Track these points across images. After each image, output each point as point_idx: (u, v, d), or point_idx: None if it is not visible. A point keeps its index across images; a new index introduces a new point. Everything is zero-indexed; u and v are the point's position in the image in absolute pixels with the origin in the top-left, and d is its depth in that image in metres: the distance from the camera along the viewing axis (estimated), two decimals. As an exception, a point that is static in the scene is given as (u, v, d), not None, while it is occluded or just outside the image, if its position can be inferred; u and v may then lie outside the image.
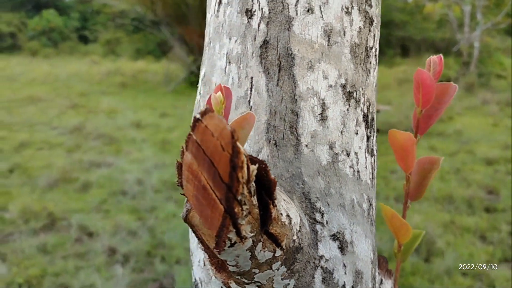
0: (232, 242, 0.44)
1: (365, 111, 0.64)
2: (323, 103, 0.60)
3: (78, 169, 4.36)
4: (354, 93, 0.62)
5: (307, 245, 0.55)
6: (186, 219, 0.49)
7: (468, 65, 10.39)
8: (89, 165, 4.48)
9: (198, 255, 0.65)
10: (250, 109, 0.61)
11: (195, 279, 0.65)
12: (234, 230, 0.43)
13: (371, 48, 0.65)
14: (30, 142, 5.29)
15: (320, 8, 0.60)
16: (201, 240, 0.49)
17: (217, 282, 0.60)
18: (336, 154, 0.60)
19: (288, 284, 0.54)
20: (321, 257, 0.57)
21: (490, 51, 10.87)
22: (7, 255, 2.78)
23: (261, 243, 0.47)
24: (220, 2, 0.65)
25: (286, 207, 0.52)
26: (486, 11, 10.88)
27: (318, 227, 0.58)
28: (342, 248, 0.59)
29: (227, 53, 0.64)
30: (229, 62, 0.63)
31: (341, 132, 0.61)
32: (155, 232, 3.12)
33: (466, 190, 3.89)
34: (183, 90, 9.49)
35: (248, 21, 0.62)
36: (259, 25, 0.61)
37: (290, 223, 0.51)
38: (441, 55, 0.75)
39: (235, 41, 0.62)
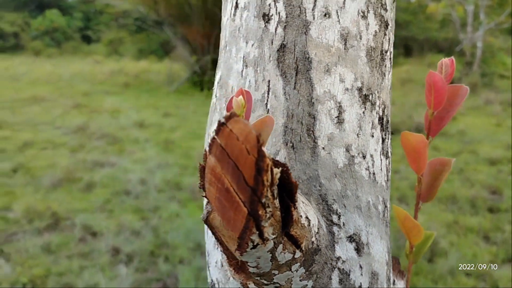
0: (255, 244, 0.44)
1: (381, 113, 0.65)
2: (340, 106, 0.61)
3: (81, 168, 4.37)
4: (370, 96, 0.63)
5: (324, 247, 0.56)
6: (207, 221, 0.49)
7: (471, 65, 10.38)
8: (93, 165, 4.49)
9: (215, 256, 0.65)
10: (267, 112, 0.61)
11: (211, 279, 0.66)
12: (257, 232, 0.43)
13: (386, 52, 0.66)
14: (34, 141, 5.30)
15: (337, 12, 0.61)
16: (220, 242, 0.50)
17: (235, 283, 0.61)
18: (353, 156, 0.61)
19: (306, 285, 0.54)
20: (338, 258, 0.58)
21: (493, 51, 10.87)
22: (11, 255, 2.79)
23: (281, 244, 0.47)
24: (236, 6, 0.66)
25: (305, 209, 0.52)
26: (489, 11, 10.86)
27: (335, 228, 0.59)
28: (358, 250, 0.60)
29: (243, 56, 0.64)
30: (246, 66, 0.64)
31: (357, 135, 0.62)
32: (158, 232, 3.13)
33: (470, 190, 3.89)
34: (186, 90, 9.50)
35: (265, 25, 0.62)
36: (276, 29, 0.62)
37: (309, 225, 0.51)
38: (452, 57, 0.76)
39: (252, 45, 0.63)
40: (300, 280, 0.53)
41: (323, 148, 0.60)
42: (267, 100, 0.62)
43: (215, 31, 9.24)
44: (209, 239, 0.67)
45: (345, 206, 0.60)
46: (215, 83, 0.70)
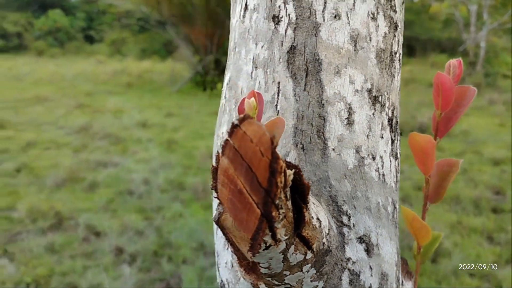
0: (267, 245, 0.44)
1: (390, 115, 0.65)
2: (350, 108, 0.61)
3: (85, 168, 4.38)
4: (380, 98, 0.63)
5: (335, 248, 0.56)
6: (218, 222, 0.49)
7: (474, 65, 10.37)
8: (96, 165, 4.50)
9: (225, 256, 0.66)
10: (277, 114, 0.62)
11: (221, 280, 0.66)
12: (270, 233, 0.43)
13: (396, 53, 0.66)
14: (37, 141, 5.32)
15: (347, 14, 0.61)
16: (231, 243, 0.50)
17: (245, 284, 0.61)
18: (362, 158, 0.61)
19: (317, 285, 0.55)
20: (348, 259, 0.58)
21: (496, 51, 10.85)
22: (15, 255, 2.80)
23: (293, 245, 0.48)
24: (246, 8, 0.66)
25: (316, 210, 0.53)
26: (493, 10, 10.85)
27: (345, 229, 0.59)
28: (368, 251, 0.60)
29: (253, 58, 0.65)
30: (256, 67, 0.64)
31: (367, 136, 0.62)
32: (161, 232, 3.13)
33: (473, 190, 3.89)
34: (189, 90, 9.51)
35: (275, 27, 0.63)
36: (286, 30, 0.62)
37: (320, 226, 0.52)
38: (460, 58, 0.76)
39: (262, 47, 0.63)
40: (311, 281, 0.54)
41: (333, 149, 0.60)
42: (277, 102, 0.62)
43: (217, 31, 9.26)
44: (219, 240, 0.68)
45: (355, 207, 0.60)
46: (224, 84, 0.70)
